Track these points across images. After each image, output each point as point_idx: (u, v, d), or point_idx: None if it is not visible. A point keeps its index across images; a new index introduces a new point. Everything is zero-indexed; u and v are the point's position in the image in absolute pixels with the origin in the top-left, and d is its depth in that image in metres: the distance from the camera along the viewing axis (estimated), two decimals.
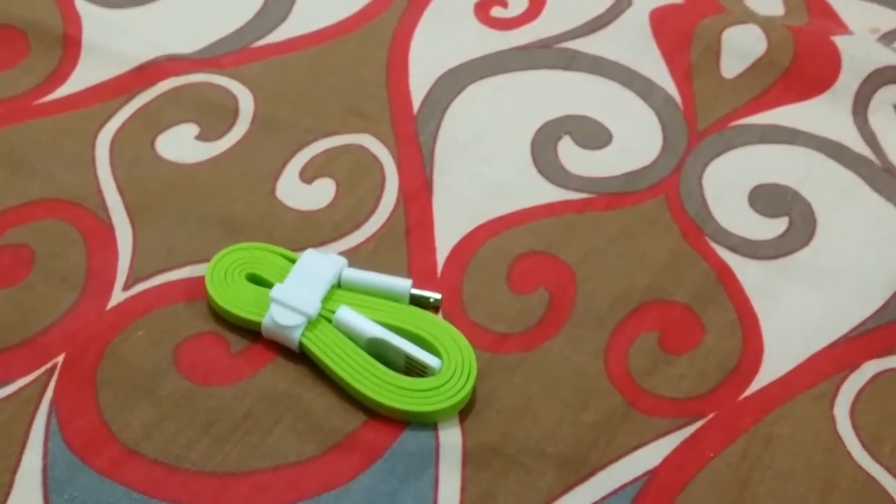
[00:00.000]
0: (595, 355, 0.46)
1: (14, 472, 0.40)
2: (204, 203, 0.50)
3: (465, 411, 0.43)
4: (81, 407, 0.42)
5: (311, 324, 0.44)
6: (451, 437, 0.42)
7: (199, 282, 0.46)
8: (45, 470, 0.40)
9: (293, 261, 0.46)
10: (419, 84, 0.57)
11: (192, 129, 0.53)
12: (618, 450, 0.43)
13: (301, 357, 0.44)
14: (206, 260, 0.47)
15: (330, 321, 0.44)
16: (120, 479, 0.40)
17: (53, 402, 0.42)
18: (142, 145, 0.52)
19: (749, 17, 0.62)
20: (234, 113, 0.54)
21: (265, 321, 0.44)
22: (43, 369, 0.43)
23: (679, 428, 0.44)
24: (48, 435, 0.41)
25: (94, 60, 0.56)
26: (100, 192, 0.50)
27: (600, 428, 0.43)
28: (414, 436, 0.42)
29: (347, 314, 0.44)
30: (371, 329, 0.43)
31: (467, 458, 0.42)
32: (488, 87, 0.58)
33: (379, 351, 0.44)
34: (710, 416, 0.44)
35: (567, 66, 0.59)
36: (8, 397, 0.42)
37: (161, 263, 0.47)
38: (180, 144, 0.52)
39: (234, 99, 0.55)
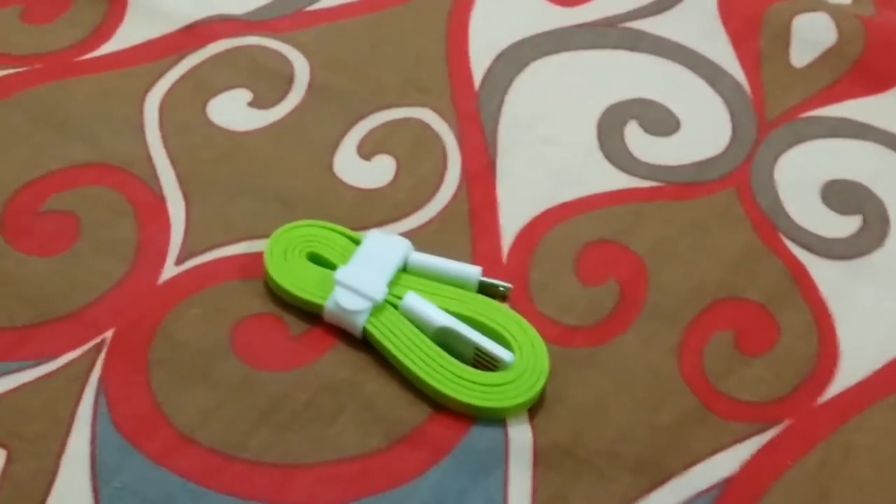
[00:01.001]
0: (668, 353, 0.44)
1: (59, 456, 0.38)
2: (259, 175, 0.47)
3: (534, 408, 0.41)
4: (132, 388, 0.40)
5: (376, 309, 0.41)
6: (521, 436, 0.40)
7: (255, 258, 0.44)
8: (92, 455, 0.38)
9: (356, 241, 0.44)
10: (479, 59, 0.54)
11: (244, 95, 0.51)
12: (694, 455, 0.41)
13: (363, 344, 0.42)
14: (263, 236, 0.45)
15: (396, 307, 0.42)
16: (174, 468, 0.38)
17: (102, 381, 0.40)
18: (193, 110, 0.50)
19: (819, 4, 0.60)
20: (289, 80, 0.52)
21: (328, 304, 0.41)
22: (90, 345, 0.41)
23: (756, 433, 0.42)
24: (96, 417, 0.39)
25: (141, 17, 0.53)
26: (149, 158, 0.47)
27: (675, 430, 0.41)
28: (483, 432, 0.40)
29: (415, 301, 0.41)
30: (440, 318, 0.41)
31: (538, 458, 0.40)
32: (551, 65, 0.55)
33: (446, 341, 0.41)
34: (788, 422, 0.42)
35: (633, 47, 0.57)
36: (52, 373, 0.40)
37: (216, 238, 0.45)
38: (233, 110, 0.50)
39: (289, 65, 0.52)
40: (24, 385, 0.39)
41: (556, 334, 0.44)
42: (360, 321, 0.41)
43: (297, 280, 0.42)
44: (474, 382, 0.40)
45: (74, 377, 0.40)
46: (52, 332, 0.41)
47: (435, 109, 0.51)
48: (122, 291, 0.42)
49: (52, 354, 0.40)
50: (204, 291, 0.43)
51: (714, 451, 0.41)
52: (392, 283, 0.42)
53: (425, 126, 0.51)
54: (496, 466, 0.39)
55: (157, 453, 0.38)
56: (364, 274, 0.42)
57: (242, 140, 0.49)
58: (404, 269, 0.44)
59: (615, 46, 0.57)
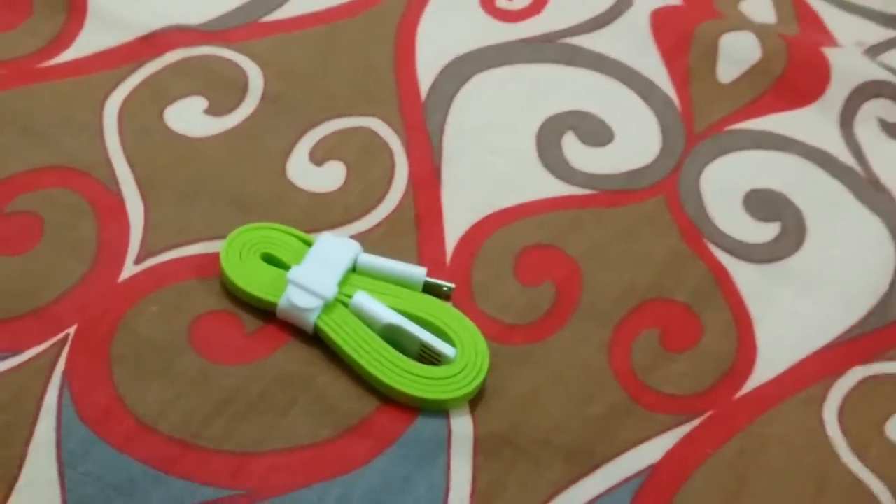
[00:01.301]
0: (600, 349, 0.47)
1: (27, 443, 0.40)
2: (215, 179, 0.50)
3: (475, 400, 0.44)
4: (95, 380, 0.42)
5: (327, 307, 0.44)
6: (462, 426, 0.43)
7: (211, 259, 0.46)
8: (58, 442, 0.40)
9: (307, 242, 0.46)
10: (426, 71, 0.57)
11: (200, 103, 0.53)
12: (622, 444, 0.44)
13: (315, 340, 0.44)
14: (218, 237, 0.47)
15: (346, 305, 0.44)
16: (135, 454, 0.40)
17: (66, 374, 0.42)
18: (150, 116, 0.52)
19: (745, 23, 0.64)
20: (244, 88, 0.54)
21: (281, 302, 0.44)
22: (54, 340, 0.43)
23: (679, 424, 0.45)
24: (61, 407, 0.41)
25: (100, 26, 0.55)
26: (109, 162, 0.49)
27: (605, 421, 0.44)
28: (427, 423, 0.43)
29: (364, 299, 0.44)
30: (388, 315, 0.44)
31: (478, 446, 0.43)
32: (494, 78, 0.58)
33: (393, 337, 0.44)
34: (708, 413, 0.46)
35: (570, 62, 0.60)
36: (18, 366, 0.42)
37: (173, 239, 0.47)
38: (189, 117, 0.52)
39: (244, 74, 0.54)
40: None
41: (497, 332, 0.47)
42: (312, 318, 0.44)
43: (252, 279, 0.45)
44: (419, 376, 0.43)
45: (39, 370, 0.42)
46: (17, 327, 0.43)
47: (384, 119, 0.54)
48: (83, 289, 0.44)
49: (17, 349, 0.42)
50: (162, 290, 0.45)
51: (640, 441, 0.44)
52: (342, 283, 0.45)
53: (374, 135, 0.53)
54: (439, 454, 0.42)
55: (119, 441, 0.40)
56: (315, 274, 0.44)
57: (198, 145, 0.51)
58: (354, 269, 0.46)
59: (554, 61, 0.60)
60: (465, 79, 0.57)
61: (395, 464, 0.41)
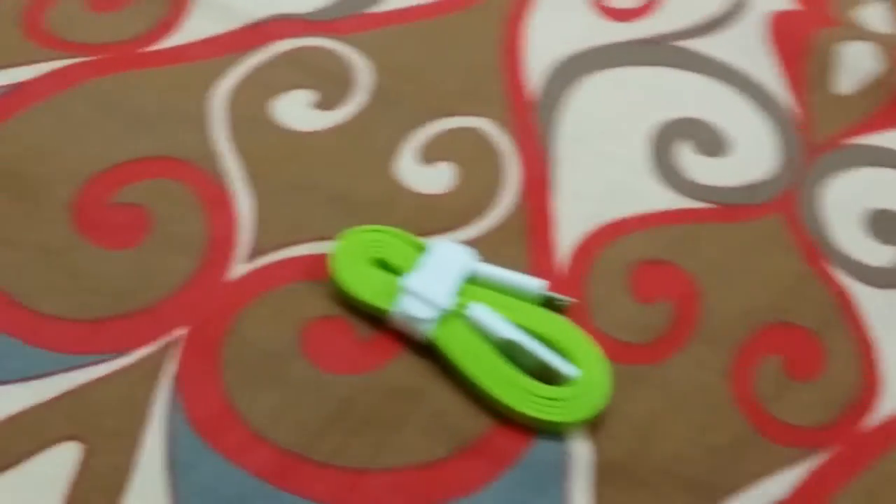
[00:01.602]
0: (720, 375, 0.45)
1: (136, 451, 0.38)
2: (323, 176, 0.48)
3: (593, 423, 0.42)
4: (206, 385, 0.40)
5: (442, 318, 0.42)
6: (582, 450, 0.41)
7: (319, 260, 0.44)
8: (168, 450, 0.38)
9: (420, 248, 0.44)
10: (535, 70, 0.55)
11: (308, 96, 0.51)
12: (746, 477, 0.42)
13: (427, 350, 0.43)
14: (326, 237, 0.45)
15: (461, 316, 0.42)
16: (248, 467, 0.38)
17: (176, 377, 0.40)
18: (257, 108, 0.50)
19: (865, 33, 0.61)
20: (352, 83, 0.52)
21: (395, 311, 0.42)
22: (164, 341, 0.41)
23: (804, 458, 0.43)
24: (171, 413, 0.39)
25: (206, 12, 0.54)
26: (216, 154, 0.48)
27: (728, 452, 0.42)
28: (544, 445, 0.41)
29: (482, 312, 0.42)
30: (507, 330, 0.42)
31: (599, 474, 0.41)
32: (605, 80, 0.56)
33: (509, 353, 0.42)
34: (835, 448, 0.43)
35: (683, 66, 0.57)
36: (127, 368, 0.40)
37: (282, 237, 0.45)
38: (297, 111, 0.50)
39: (352, 68, 0.53)
40: (100, 378, 0.40)
41: (612, 351, 0.44)
42: (427, 329, 0.42)
43: (364, 284, 0.43)
44: (537, 395, 0.41)
45: (149, 372, 0.40)
46: (126, 326, 0.41)
47: (493, 120, 0.52)
48: (193, 288, 0.43)
49: (126, 349, 0.41)
50: (271, 291, 0.43)
51: (765, 475, 0.42)
52: (458, 293, 0.43)
53: (484, 135, 0.51)
54: (557, 481, 0.40)
55: (232, 451, 0.39)
56: (431, 282, 0.43)
57: (306, 140, 0.49)
58: (470, 279, 0.44)
59: (666, 64, 0.57)
60: (575, 80, 0.55)
61: (511, 489, 0.40)
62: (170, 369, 0.40)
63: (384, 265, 0.44)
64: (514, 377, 0.41)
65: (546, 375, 0.42)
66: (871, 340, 0.47)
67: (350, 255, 0.44)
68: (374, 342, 0.43)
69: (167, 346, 0.41)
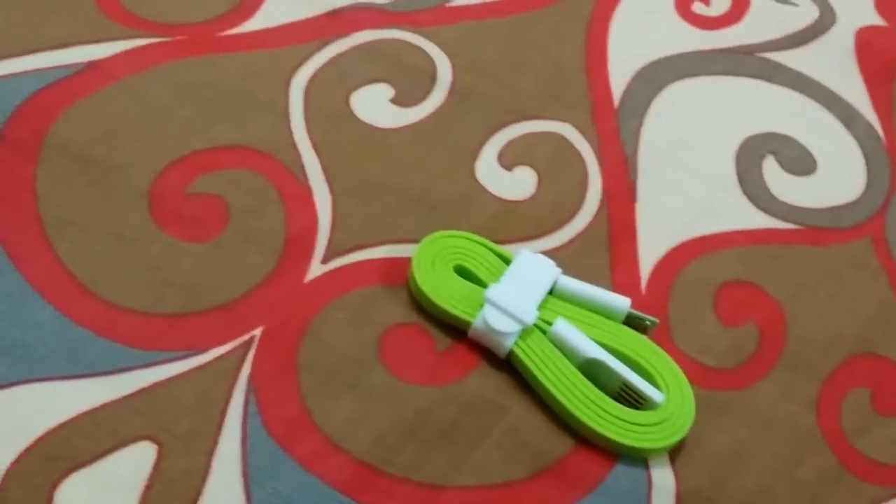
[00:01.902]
0: (807, 405, 0.43)
1: (211, 455, 0.37)
2: (402, 175, 0.46)
3: (675, 450, 0.41)
4: (282, 389, 0.39)
5: (524, 332, 0.40)
6: (663, 478, 0.40)
7: (398, 263, 0.43)
8: (244, 456, 0.37)
9: (503, 257, 0.43)
10: (618, 74, 0.53)
11: (387, 91, 0.49)
12: None
13: (507, 365, 0.41)
14: (405, 240, 0.44)
15: (544, 332, 0.41)
16: (324, 476, 0.37)
17: (252, 379, 0.39)
18: (336, 100, 0.48)
19: None
20: (432, 79, 0.50)
21: (476, 322, 0.41)
22: (240, 341, 0.40)
23: (891, 498, 0.41)
24: (247, 417, 0.38)
25: None
26: (295, 146, 0.46)
27: (815, 488, 0.41)
28: (626, 472, 0.40)
29: (566, 328, 0.41)
30: (591, 349, 0.40)
31: (680, 503, 0.39)
32: (690, 88, 0.54)
33: (592, 371, 0.41)
34: None
35: (769, 78, 0.56)
36: (202, 367, 0.39)
37: (360, 238, 0.44)
38: (375, 105, 0.49)
39: (432, 63, 0.51)
40: (175, 377, 0.38)
41: (695, 374, 0.43)
42: (508, 343, 0.40)
43: (446, 293, 0.41)
44: (621, 419, 0.40)
45: (225, 373, 0.39)
46: (202, 323, 0.40)
47: (575, 125, 0.50)
48: (270, 286, 0.41)
49: (202, 347, 0.39)
50: (349, 294, 0.42)
51: None
52: (540, 307, 0.41)
53: (565, 141, 0.50)
54: None
55: (308, 460, 0.37)
56: (514, 295, 0.41)
57: (385, 137, 0.48)
58: (551, 291, 0.43)
59: (752, 75, 0.55)
60: (660, 87, 0.53)
61: None
62: (246, 370, 0.39)
63: (465, 274, 0.43)
64: (596, 398, 0.40)
65: (627, 397, 0.41)
66: None
67: (431, 261, 0.42)
68: (453, 353, 0.41)
69: (242, 346, 0.39)
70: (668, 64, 0.55)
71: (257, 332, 0.40)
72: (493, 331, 0.40)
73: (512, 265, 0.42)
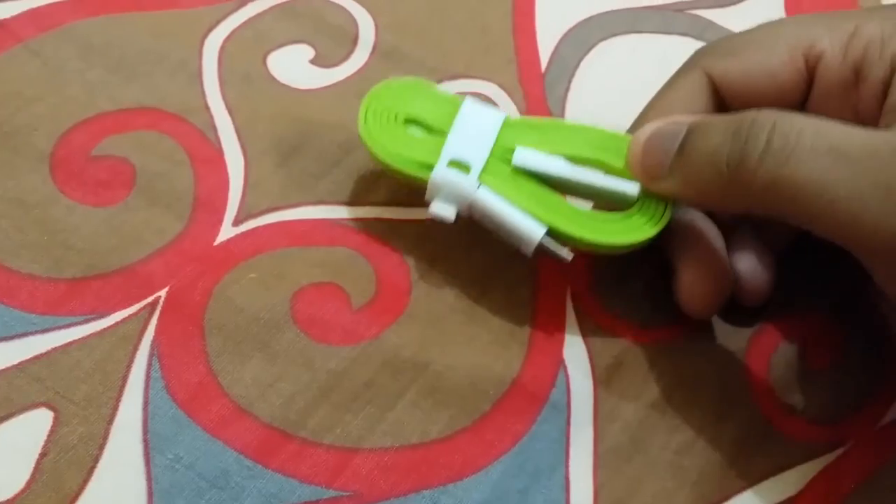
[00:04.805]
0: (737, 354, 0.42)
1: (110, 421, 0.36)
2: (321, 136, 0.45)
3: (597, 407, 0.40)
4: (187, 352, 0.37)
5: (486, 170, 0.39)
6: (582, 436, 0.39)
7: (314, 225, 0.42)
8: (145, 423, 0.36)
9: (451, 102, 0.41)
10: (546, 35, 0.52)
11: (307, 51, 0.48)
12: (758, 472, 0.39)
13: (427, 319, 0.40)
14: (322, 202, 0.42)
15: (507, 164, 0.39)
16: (230, 442, 0.36)
17: (155, 343, 0.38)
18: (253, 61, 0.47)
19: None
20: (353, 39, 0.49)
21: (436, 177, 0.38)
22: (143, 303, 0.38)
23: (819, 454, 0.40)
24: (149, 382, 0.37)
25: None
26: (207, 108, 0.45)
27: (740, 445, 0.40)
28: (544, 430, 0.39)
29: (528, 153, 0.39)
30: (557, 167, 0.39)
31: (599, 461, 0.38)
32: (619, 47, 0.53)
33: (563, 186, 0.39)
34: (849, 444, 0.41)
35: (699, 36, 0.55)
36: (103, 331, 0.38)
37: (275, 200, 0.42)
38: (294, 66, 0.47)
39: (354, 22, 0.50)
40: (73, 342, 0.37)
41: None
42: (471, 190, 0.38)
43: (403, 152, 0.39)
44: (614, 221, 0.38)
45: (126, 337, 0.37)
46: (103, 286, 0.39)
47: (502, 86, 0.49)
48: (177, 249, 0.40)
49: (102, 311, 0.38)
50: (261, 256, 0.41)
51: (781, 470, 0.40)
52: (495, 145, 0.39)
53: (491, 101, 0.49)
54: (557, 466, 0.38)
55: (213, 425, 0.36)
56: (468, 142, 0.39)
57: (304, 98, 0.46)
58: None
59: (683, 33, 0.55)
60: (589, 47, 0.52)
61: (511, 475, 0.37)
62: (149, 334, 0.37)
63: (416, 123, 0.40)
64: (586, 212, 0.39)
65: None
66: None
67: (383, 118, 0.40)
68: (370, 309, 0.40)
69: (146, 309, 0.38)
70: (597, 21, 0.54)
71: (162, 293, 0.39)
72: (454, 183, 0.38)
73: (457, 117, 0.40)
